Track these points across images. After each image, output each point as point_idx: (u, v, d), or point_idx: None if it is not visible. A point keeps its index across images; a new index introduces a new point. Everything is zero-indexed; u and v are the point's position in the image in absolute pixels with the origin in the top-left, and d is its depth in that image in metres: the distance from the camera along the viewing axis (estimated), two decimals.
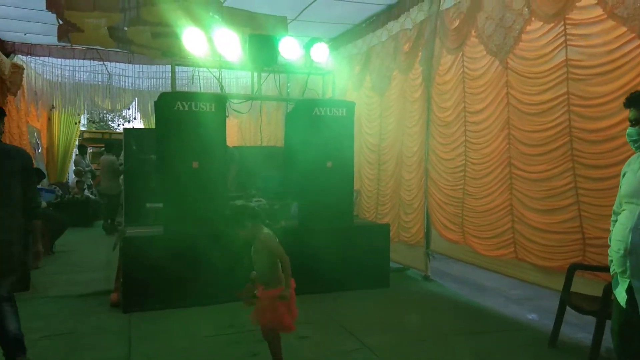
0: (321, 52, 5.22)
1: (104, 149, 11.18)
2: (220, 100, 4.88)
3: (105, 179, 9.53)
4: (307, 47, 5.22)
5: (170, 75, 9.72)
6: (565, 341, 3.85)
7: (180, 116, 4.69)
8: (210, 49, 4.98)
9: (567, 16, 3.92)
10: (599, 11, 3.66)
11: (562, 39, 4.03)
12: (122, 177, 8.94)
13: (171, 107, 4.68)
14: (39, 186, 8.20)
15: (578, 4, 3.78)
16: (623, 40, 3.58)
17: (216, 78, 5.35)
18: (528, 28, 4.30)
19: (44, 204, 7.14)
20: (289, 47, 5.11)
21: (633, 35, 3.44)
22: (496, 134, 4.86)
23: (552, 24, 4.08)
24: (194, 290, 4.61)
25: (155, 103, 4.89)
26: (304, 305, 4.68)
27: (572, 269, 3.76)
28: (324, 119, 5.18)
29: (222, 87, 5.45)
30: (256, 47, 4.98)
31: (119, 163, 9.31)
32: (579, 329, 4.05)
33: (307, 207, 5.31)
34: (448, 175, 5.54)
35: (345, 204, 5.39)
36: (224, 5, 5.96)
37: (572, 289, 3.76)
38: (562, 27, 4.02)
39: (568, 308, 3.70)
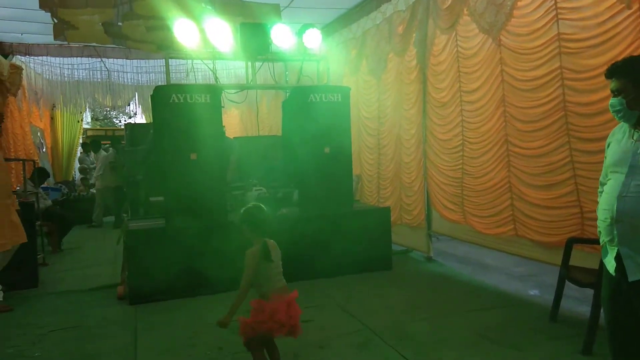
0: (314, 38, 5.21)
1: (108, 145, 11.30)
2: (215, 91, 4.91)
3: (103, 175, 9.71)
4: (300, 33, 5.22)
5: (172, 68, 9.81)
6: (566, 315, 3.88)
7: (176, 109, 4.73)
8: (203, 40, 4.99)
9: None
10: None
11: (553, 13, 4.00)
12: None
13: (166, 100, 4.71)
14: (44, 185, 8.32)
15: None
16: (614, 11, 3.54)
17: (210, 69, 5.37)
18: (519, 4, 4.27)
19: (49, 202, 7.23)
20: (281, 35, 5.11)
21: (623, 5, 3.41)
22: (492, 112, 4.86)
23: None
24: (198, 280, 4.69)
25: (151, 97, 4.93)
26: (307, 290, 4.78)
27: (570, 243, 3.78)
28: (320, 105, 5.20)
29: (216, 78, 5.48)
30: (248, 36, 4.99)
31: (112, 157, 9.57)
32: (579, 302, 4.09)
33: (307, 194, 5.35)
34: (446, 155, 5.55)
35: (345, 189, 5.43)
36: None
37: (572, 263, 3.78)
38: (553, 1, 3.98)
39: (568, 282, 3.72)
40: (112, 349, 3.59)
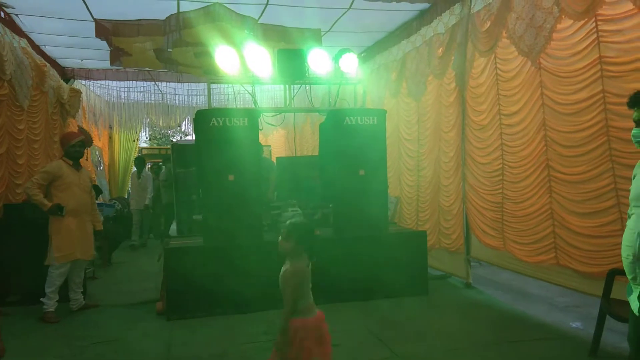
0: (350, 63, 5.29)
1: (161, 163, 11.78)
2: (253, 115, 5.06)
3: (133, 195, 9.54)
4: (337, 58, 5.31)
5: (217, 91, 10.17)
6: (608, 350, 3.68)
7: (216, 131, 4.91)
8: (242, 65, 5.18)
9: (597, 12, 3.77)
10: (629, 5, 3.51)
11: (594, 35, 3.88)
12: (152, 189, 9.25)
13: (207, 123, 4.91)
14: (98, 201, 8.78)
15: (607, 0, 3.64)
16: None
17: (249, 93, 5.54)
18: (559, 26, 4.17)
19: (101, 218, 7.60)
20: (317, 59, 5.22)
21: None
22: (532, 136, 4.72)
23: (582, 21, 3.94)
24: (232, 299, 4.80)
25: (194, 120, 5.14)
26: (338, 313, 4.77)
27: (612, 275, 3.59)
28: (355, 128, 5.24)
29: (255, 102, 5.63)
30: (285, 62, 5.14)
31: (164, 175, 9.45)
32: (623, 337, 3.84)
33: (342, 216, 5.37)
34: (486, 179, 5.43)
35: (380, 212, 5.40)
36: (258, 22, 6.17)
37: (615, 295, 3.59)
38: (594, 24, 3.87)
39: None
40: None
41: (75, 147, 5.07)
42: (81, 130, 7.90)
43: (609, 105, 3.87)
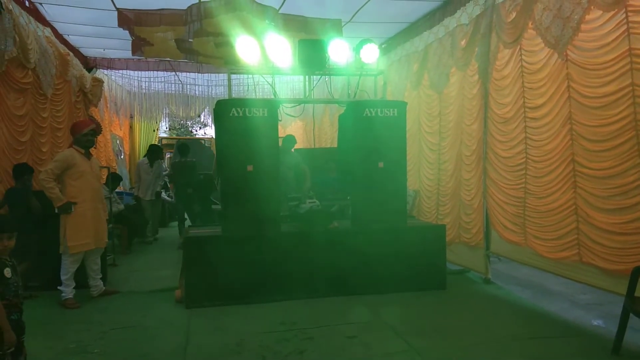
0: (371, 53, 5.22)
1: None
2: (272, 105, 5.05)
3: (143, 185, 8.80)
4: (357, 48, 5.25)
5: (237, 82, 10.18)
6: (631, 349, 3.60)
7: (235, 122, 4.91)
8: (263, 56, 5.16)
9: (627, 3, 3.66)
10: None
11: (624, 27, 3.76)
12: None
13: (227, 113, 4.91)
14: (118, 190, 8.90)
15: None
16: None
17: (269, 84, 5.53)
18: (587, 17, 4.04)
19: (122, 206, 7.72)
20: (338, 50, 5.17)
21: None
22: (558, 129, 4.62)
23: (612, 12, 3.82)
24: (250, 288, 4.83)
25: (214, 110, 5.15)
26: (355, 306, 4.77)
27: (637, 273, 3.50)
28: (375, 120, 5.19)
29: (275, 93, 5.61)
30: (305, 52, 5.10)
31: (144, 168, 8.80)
32: None
33: (360, 208, 5.35)
34: (508, 174, 5.33)
35: (399, 205, 5.35)
36: (279, 12, 6.14)
37: (638, 294, 3.50)
38: (624, 15, 3.75)
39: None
40: (164, 351, 3.76)
41: (87, 136, 5.01)
42: (91, 118, 7.81)
43: (638, 99, 3.76)
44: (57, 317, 4.58)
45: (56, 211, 4.80)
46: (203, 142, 16.46)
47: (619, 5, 3.70)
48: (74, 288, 4.97)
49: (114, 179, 7.69)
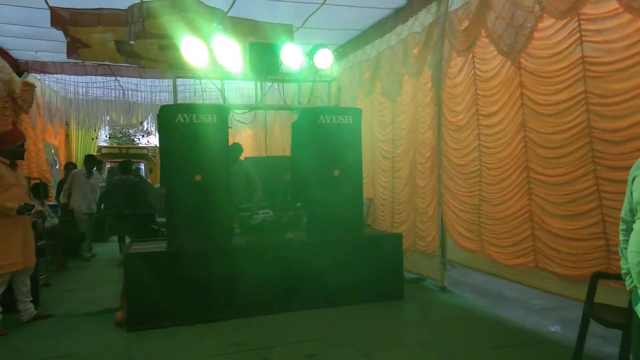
0: (325, 59, 5.08)
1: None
2: (222, 111, 4.77)
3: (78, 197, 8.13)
4: (311, 54, 5.09)
5: (183, 87, 9.75)
6: (590, 355, 3.59)
7: (182, 129, 4.60)
8: (211, 59, 4.89)
9: (580, 11, 3.69)
10: (614, 4, 3.43)
11: (577, 35, 3.80)
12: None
13: (172, 119, 4.59)
14: (51, 203, 8.25)
15: None
16: None
17: (218, 89, 5.25)
18: (540, 25, 4.08)
19: (56, 221, 7.13)
20: (291, 55, 4.98)
21: None
22: (511, 137, 4.63)
23: (565, 20, 3.85)
24: (199, 307, 4.50)
25: (157, 116, 4.81)
26: (312, 321, 4.55)
27: (595, 278, 3.49)
28: (330, 127, 5.03)
29: (224, 98, 5.34)
30: (257, 56, 4.88)
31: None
32: (605, 341, 3.79)
33: (315, 218, 5.16)
34: (462, 181, 5.32)
35: (355, 214, 5.22)
36: (227, 15, 5.89)
37: (597, 299, 3.50)
38: (577, 23, 3.79)
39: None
40: None
41: (22, 147, 4.65)
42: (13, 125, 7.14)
43: (591, 106, 3.80)
44: None
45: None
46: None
47: (572, 13, 3.73)
48: (0, 313, 4.45)
49: (44, 189, 7.07)
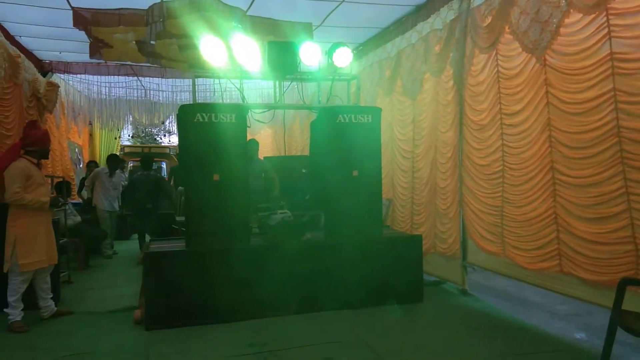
0: (344, 57, 5.01)
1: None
2: (241, 111, 4.75)
3: (101, 195, 8.25)
4: (330, 52, 5.02)
5: (203, 87, 9.80)
6: None
7: (201, 128, 4.59)
8: (230, 58, 4.87)
9: (608, 5, 3.55)
10: None
11: (605, 30, 3.65)
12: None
13: (191, 119, 4.59)
14: (74, 201, 8.37)
15: None
16: None
17: (237, 88, 5.23)
18: (566, 21, 3.94)
19: (78, 219, 7.22)
20: (309, 53, 4.93)
21: None
22: (536, 136, 4.49)
23: (592, 15, 3.71)
24: (216, 307, 4.49)
25: (177, 115, 4.82)
26: (329, 323, 4.49)
27: (623, 284, 3.34)
28: (349, 126, 4.96)
29: (243, 98, 5.31)
30: (276, 55, 4.84)
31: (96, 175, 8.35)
32: (632, 350, 3.65)
33: (333, 219, 5.09)
34: (485, 182, 5.19)
35: (374, 214, 5.14)
36: (246, 14, 5.87)
37: (625, 306, 3.36)
38: (605, 18, 3.64)
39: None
40: None
41: (49, 149, 4.90)
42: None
43: (620, 105, 3.65)
44: (3, 343, 4.13)
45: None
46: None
47: (600, 8, 3.59)
48: (22, 310, 4.52)
49: (68, 188, 7.16)
